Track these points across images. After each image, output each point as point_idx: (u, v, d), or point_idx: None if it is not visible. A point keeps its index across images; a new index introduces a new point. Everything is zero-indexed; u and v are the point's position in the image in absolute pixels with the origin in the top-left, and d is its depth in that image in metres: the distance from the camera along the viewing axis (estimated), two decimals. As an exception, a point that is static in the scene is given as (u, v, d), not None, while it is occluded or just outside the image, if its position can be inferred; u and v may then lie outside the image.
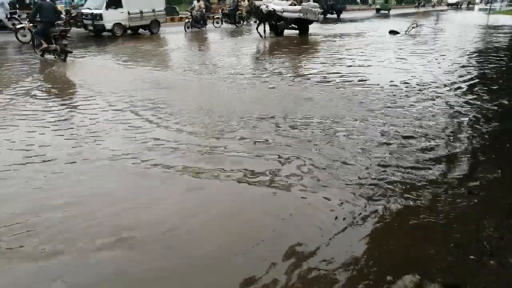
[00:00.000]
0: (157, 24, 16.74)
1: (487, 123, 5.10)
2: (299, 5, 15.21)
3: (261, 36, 14.91)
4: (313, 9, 15.44)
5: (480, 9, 47.49)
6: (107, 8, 14.67)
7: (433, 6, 52.81)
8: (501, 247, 2.56)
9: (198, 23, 17.86)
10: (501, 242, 2.61)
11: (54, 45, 9.42)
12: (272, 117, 5.18)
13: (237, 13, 19.86)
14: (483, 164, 3.81)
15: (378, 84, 7.00)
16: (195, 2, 18.48)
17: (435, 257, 2.48)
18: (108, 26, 14.90)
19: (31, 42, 10.76)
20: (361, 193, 3.21)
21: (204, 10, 18.38)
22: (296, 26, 15.93)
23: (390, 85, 7.00)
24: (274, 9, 14.90)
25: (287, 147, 4.16)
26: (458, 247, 2.57)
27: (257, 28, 15.21)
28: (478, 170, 3.67)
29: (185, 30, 17.02)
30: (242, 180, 3.45)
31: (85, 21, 14.85)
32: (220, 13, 19.84)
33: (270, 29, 15.62)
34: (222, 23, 19.58)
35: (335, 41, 14.50)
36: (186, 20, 17.52)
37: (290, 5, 15.42)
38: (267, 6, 15.03)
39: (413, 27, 17.46)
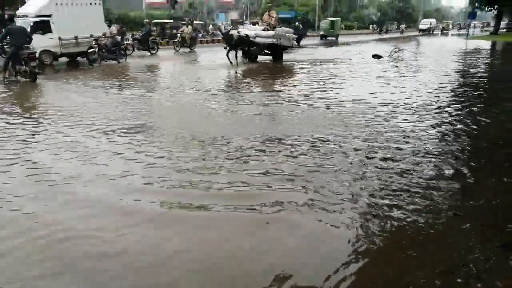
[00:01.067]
0: None
1: (472, 142, 5.26)
2: (272, 30, 14.49)
3: (231, 62, 13.85)
4: (286, 34, 14.67)
5: (452, 35, 47.73)
6: (31, 33, 12.10)
7: (402, 32, 48.74)
8: (487, 270, 2.59)
9: (111, 53, 14.45)
10: (487, 264, 2.64)
11: (24, 67, 9.77)
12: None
13: (150, 38, 18.26)
14: (468, 185, 3.88)
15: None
16: (112, 26, 16.27)
17: (421, 280, 2.48)
18: None
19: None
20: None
21: (119, 37, 15.70)
22: (270, 52, 15.08)
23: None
24: (247, 35, 14.15)
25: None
26: (444, 270, 2.58)
27: (227, 54, 14.07)
28: (463, 191, 3.73)
29: (91, 64, 13.74)
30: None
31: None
32: (131, 39, 17.98)
33: (242, 55, 14.88)
34: (134, 50, 17.49)
35: (318, 68, 13.33)
36: (90, 50, 13.97)
37: (263, 30, 14.59)
38: (238, 32, 14.34)
39: (395, 51, 17.41)
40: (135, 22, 43.48)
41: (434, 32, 53.56)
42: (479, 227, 3.06)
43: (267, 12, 15.41)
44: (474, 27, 44.65)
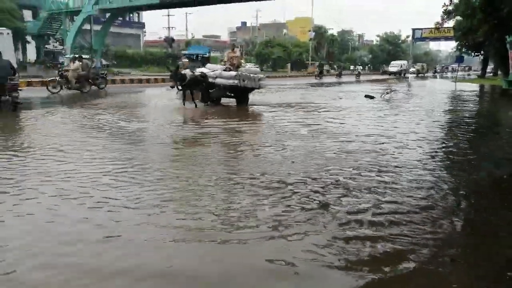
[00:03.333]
0: None
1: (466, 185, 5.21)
2: (235, 70, 12.70)
3: (184, 104, 12.06)
4: (252, 75, 13.03)
5: (429, 77, 46.26)
6: None
7: (358, 75, 39.95)
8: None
9: None
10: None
11: (7, 96, 10.25)
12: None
13: None
14: (465, 230, 3.80)
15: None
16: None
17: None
18: None
19: None
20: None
21: None
22: (233, 94, 13.27)
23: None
24: (203, 74, 12.59)
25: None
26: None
27: (182, 98, 12.27)
28: (460, 236, 3.65)
29: None
30: None
31: None
32: None
33: (202, 98, 12.95)
34: None
35: (292, 113, 11.54)
36: None
37: (225, 70, 12.83)
38: (193, 71, 12.82)
39: (387, 93, 17.79)
40: (132, 60, 44.61)
41: (406, 75, 47.90)
42: (476, 272, 2.96)
43: (229, 50, 13.84)
44: (453, 70, 43.63)
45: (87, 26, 35.58)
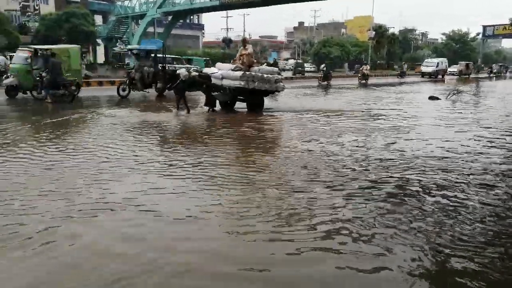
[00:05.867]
0: None
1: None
2: (247, 70, 10.69)
3: (180, 108, 10.50)
4: (266, 75, 10.88)
5: (481, 80, 37.56)
6: None
7: (363, 77, 27.78)
8: None
9: None
10: None
11: (63, 91, 12.28)
12: None
13: None
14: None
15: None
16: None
17: None
18: None
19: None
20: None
21: None
22: (243, 98, 11.25)
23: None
24: (205, 74, 11.03)
25: None
26: None
27: (182, 103, 10.59)
28: None
29: None
30: None
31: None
32: None
33: (207, 103, 11.13)
34: None
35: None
36: None
37: (234, 69, 10.75)
38: (188, 71, 11.29)
39: (453, 93, 17.01)
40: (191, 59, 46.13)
41: (445, 77, 39.97)
42: None
43: (241, 47, 11.46)
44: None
45: (150, 29, 37.53)
